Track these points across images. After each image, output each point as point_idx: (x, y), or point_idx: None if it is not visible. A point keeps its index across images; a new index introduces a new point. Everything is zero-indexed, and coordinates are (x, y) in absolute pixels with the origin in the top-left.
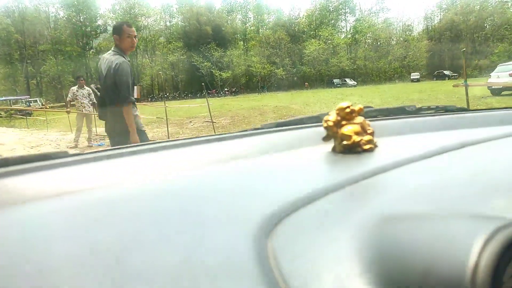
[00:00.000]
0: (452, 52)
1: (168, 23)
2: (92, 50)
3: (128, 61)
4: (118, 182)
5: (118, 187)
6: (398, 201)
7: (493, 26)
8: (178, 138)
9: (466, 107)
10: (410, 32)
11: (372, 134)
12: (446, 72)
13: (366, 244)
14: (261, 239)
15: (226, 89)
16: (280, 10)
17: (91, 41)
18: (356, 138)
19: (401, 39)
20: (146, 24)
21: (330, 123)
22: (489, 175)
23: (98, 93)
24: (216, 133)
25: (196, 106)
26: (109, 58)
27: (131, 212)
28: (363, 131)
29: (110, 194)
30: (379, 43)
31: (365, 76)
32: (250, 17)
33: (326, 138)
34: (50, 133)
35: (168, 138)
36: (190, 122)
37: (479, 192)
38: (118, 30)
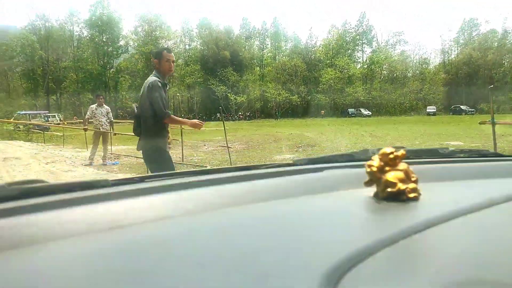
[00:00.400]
0: (469, 87)
1: (187, 47)
2: (112, 70)
3: (166, 83)
4: (161, 218)
5: (165, 225)
6: (453, 263)
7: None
8: (216, 169)
9: (494, 148)
10: (426, 65)
11: (416, 181)
12: (463, 107)
13: None
14: None
15: (240, 113)
16: (298, 38)
17: (112, 61)
18: (401, 186)
19: (418, 72)
20: (166, 46)
21: (374, 169)
22: None
23: (136, 111)
24: (253, 165)
25: (211, 129)
26: (147, 79)
27: (182, 254)
28: (407, 178)
29: (158, 232)
30: (395, 74)
31: (380, 107)
32: (268, 44)
33: (368, 183)
34: (66, 149)
35: (182, 160)
36: (205, 145)
37: None
38: (158, 55)
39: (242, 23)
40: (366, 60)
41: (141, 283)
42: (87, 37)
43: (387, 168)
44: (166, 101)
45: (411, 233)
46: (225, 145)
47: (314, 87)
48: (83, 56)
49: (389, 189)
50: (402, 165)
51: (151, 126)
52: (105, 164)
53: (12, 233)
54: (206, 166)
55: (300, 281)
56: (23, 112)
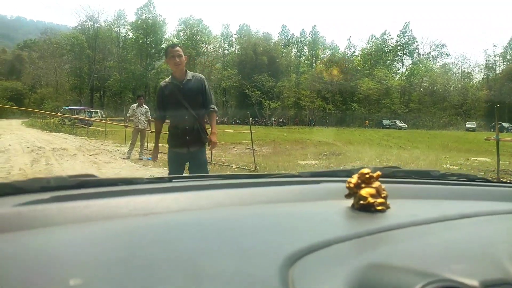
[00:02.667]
0: None
1: (226, 51)
2: (153, 71)
3: (177, 83)
4: (183, 210)
5: (186, 214)
6: (390, 256)
7: None
8: (231, 175)
9: (497, 164)
10: (469, 80)
11: (385, 197)
12: (505, 125)
13: (354, 282)
14: (286, 268)
15: (273, 119)
16: (336, 46)
17: (153, 62)
18: (370, 200)
19: (459, 86)
20: (205, 50)
21: (351, 185)
22: (468, 245)
23: None
24: (264, 174)
25: (240, 132)
26: None
27: (200, 234)
28: (378, 194)
29: (181, 219)
30: (435, 87)
31: (417, 119)
32: (305, 51)
33: (348, 196)
34: (107, 144)
35: (211, 159)
36: (234, 147)
37: (450, 258)
38: (165, 54)
39: (281, 30)
40: (405, 72)
41: (163, 251)
42: (132, 39)
43: (362, 185)
44: (166, 104)
45: (365, 234)
46: (251, 148)
47: (350, 97)
48: (127, 57)
49: (361, 202)
50: (376, 183)
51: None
52: (141, 159)
53: (71, 213)
54: (232, 166)
55: (269, 258)
56: (69, 107)
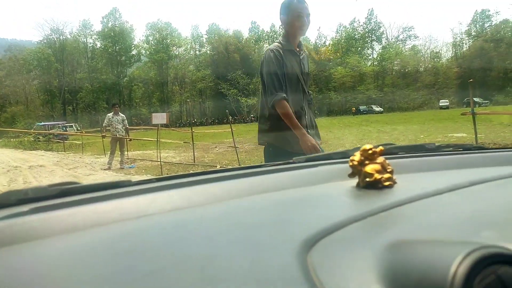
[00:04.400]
0: (482, 80)
1: (197, 52)
2: (125, 78)
3: (292, 50)
4: (178, 208)
5: (183, 213)
6: (409, 231)
7: None
8: (224, 169)
9: (475, 137)
10: (438, 59)
11: (391, 172)
12: (476, 99)
13: (380, 262)
14: (302, 255)
15: (252, 115)
16: (307, 38)
17: (125, 70)
18: (377, 176)
19: (430, 66)
20: (177, 53)
21: (355, 162)
22: (488, 211)
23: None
24: (256, 165)
25: (220, 131)
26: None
27: (204, 234)
28: (384, 169)
29: (178, 219)
30: (407, 70)
31: (393, 102)
32: None
33: (351, 175)
34: (85, 156)
35: (194, 161)
36: (216, 147)
37: (475, 226)
38: (286, 10)
39: (251, 26)
40: (376, 57)
41: (163, 257)
42: (101, 48)
43: (366, 162)
44: (284, 78)
45: (378, 211)
46: (233, 146)
47: (325, 86)
48: (97, 67)
49: (367, 179)
50: (380, 159)
51: (264, 115)
52: (123, 168)
53: (56, 223)
54: (216, 166)
55: (284, 247)
56: (42, 123)
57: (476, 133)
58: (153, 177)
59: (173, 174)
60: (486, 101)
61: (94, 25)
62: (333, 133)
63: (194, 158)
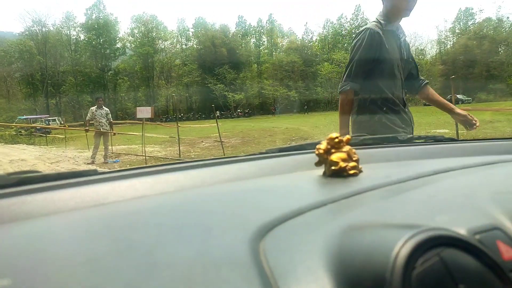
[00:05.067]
0: (466, 77)
1: (184, 46)
2: (110, 72)
3: (393, 31)
4: (139, 197)
5: (142, 201)
6: (366, 216)
7: (507, 50)
8: (193, 160)
9: (456, 133)
10: (423, 56)
11: (357, 161)
12: (460, 96)
13: (332, 246)
14: (255, 241)
15: (239, 110)
16: (294, 33)
17: (109, 63)
18: (342, 164)
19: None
20: (163, 47)
21: (321, 151)
22: (447, 197)
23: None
24: (228, 155)
25: (207, 126)
26: None
27: (156, 221)
28: (349, 158)
29: (135, 206)
30: None
31: None
32: (264, 41)
33: (318, 164)
34: (68, 151)
35: (180, 156)
36: (202, 142)
37: (431, 211)
38: None
39: (237, 21)
40: None
41: (114, 243)
42: (84, 41)
43: (333, 151)
44: (376, 63)
45: (339, 199)
46: (220, 140)
47: (312, 82)
48: (81, 60)
49: (332, 167)
50: (346, 148)
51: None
52: (107, 162)
53: (9, 211)
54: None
55: (237, 234)
56: (24, 117)
57: (457, 129)
58: (122, 168)
59: (143, 165)
60: (469, 98)
61: (77, 17)
62: (319, 129)
63: (179, 153)
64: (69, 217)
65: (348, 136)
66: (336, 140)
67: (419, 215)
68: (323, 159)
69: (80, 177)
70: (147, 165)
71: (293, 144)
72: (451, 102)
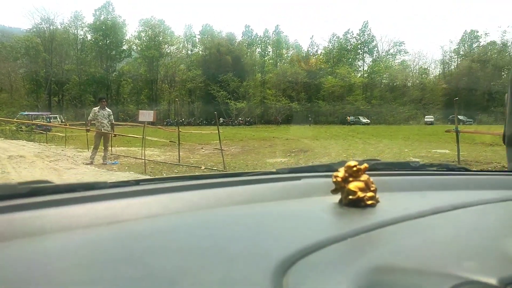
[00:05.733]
0: (468, 98)
1: (189, 52)
2: (114, 73)
3: None
4: (154, 216)
5: (157, 221)
6: (390, 255)
7: (510, 75)
8: (205, 175)
9: (457, 155)
10: (426, 76)
11: (374, 191)
12: (461, 117)
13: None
14: (278, 276)
15: (240, 118)
16: (299, 45)
17: (114, 64)
18: (360, 194)
19: (417, 81)
20: (168, 51)
21: (339, 179)
22: (469, 238)
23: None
24: (240, 172)
25: (208, 132)
26: None
27: (175, 245)
28: (367, 187)
29: (151, 227)
30: (395, 84)
31: (379, 115)
32: (269, 51)
33: (334, 191)
34: (68, 149)
35: (179, 161)
36: (202, 148)
37: (456, 253)
38: None
39: (244, 30)
40: (366, 69)
41: (133, 268)
42: (91, 41)
43: (350, 179)
44: None
45: (359, 232)
46: (219, 148)
47: (314, 95)
48: (87, 59)
49: (350, 197)
50: (364, 177)
51: None
52: (105, 164)
53: (22, 225)
54: (201, 167)
55: (259, 264)
56: (26, 113)
57: (459, 150)
58: (131, 179)
59: (152, 177)
60: (470, 120)
61: (86, 17)
62: (320, 142)
63: (179, 158)
64: (84, 235)
65: (365, 165)
66: (355, 168)
67: (445, 259)
68: (340, 187)
69: (91, 190)
70: (158, 177)
71: (293, 153)
72: (453, 122)
